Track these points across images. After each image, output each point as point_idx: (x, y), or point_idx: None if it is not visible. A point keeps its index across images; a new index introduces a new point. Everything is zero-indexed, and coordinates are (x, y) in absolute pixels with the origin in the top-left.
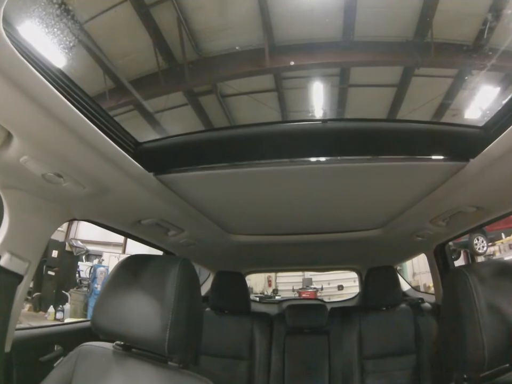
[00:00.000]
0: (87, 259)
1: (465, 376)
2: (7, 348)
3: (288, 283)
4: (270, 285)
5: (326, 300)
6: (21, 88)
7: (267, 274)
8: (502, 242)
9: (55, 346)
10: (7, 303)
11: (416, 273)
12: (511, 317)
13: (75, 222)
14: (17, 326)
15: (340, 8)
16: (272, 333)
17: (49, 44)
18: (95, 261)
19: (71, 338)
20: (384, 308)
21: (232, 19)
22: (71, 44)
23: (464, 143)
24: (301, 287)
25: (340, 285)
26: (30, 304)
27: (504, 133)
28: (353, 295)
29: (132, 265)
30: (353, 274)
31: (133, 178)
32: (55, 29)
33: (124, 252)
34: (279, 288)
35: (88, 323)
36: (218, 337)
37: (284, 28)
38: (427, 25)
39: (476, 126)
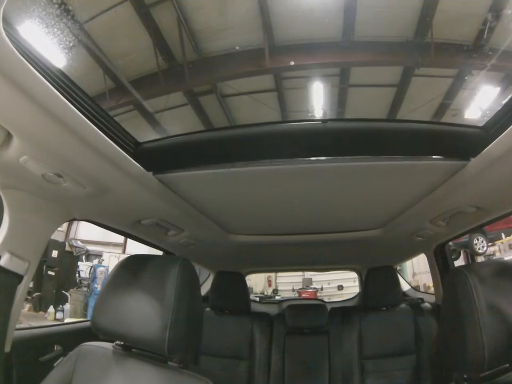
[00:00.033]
0: (87, 259)
1: (465, 376)
2: (7, 348)
3: (288, 283)
4: (270, 285)
5: (326, 299)
6: (21, 88)
7: (267, 274)
8: (502, 242)
9: (55, 346)
10: (7, 303)
11: (416, 273)
12: (511, 317)
13: (75, 222)
14: (17, 326)
15: (340, 8)
16: (272, 333)
17: (49, 44)
18: (95, 261)
19: (71, 338)
20: (384, 308)
21: (232, 19)
22: (71, 44)
23: (464, 143)
24: (301, 287)
25: (340, 285)
26: (30, 304)
27: (504, 133)
28: (353, 295)
29: (132, 265)
30: (353, 274)
31: (133, 178)
32: (55, 29)
33: (123, 252)
34: (279, 288)
35: (88, 323)
36: (218, 337)
37: (284, 28)
38: (427, 25)
39: (476, 126)
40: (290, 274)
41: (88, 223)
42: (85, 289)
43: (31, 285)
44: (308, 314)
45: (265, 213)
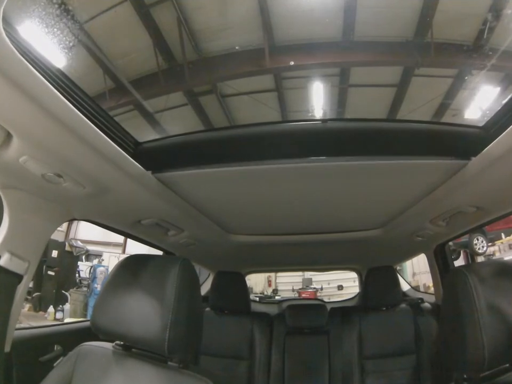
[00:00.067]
0: (87, 259)
1: (465, 376)
2: (7, 348)
3: (288, 283)
4: (270, 285)
5: (325, 299)
6: (21, 88)
7: (267, 274)
8: (502, 242)
9: (55, 346)
10: (7, 303)
11: (416, 273)
12: (511, 317)
13: (75, 222)
14: (17, 326)
15: (340, 8)
16: (272, 333)
17: (49, 44)
18: (95, 261)
19: (70, 338)
20: (384, 308)
21: (232, 19)
22: (71, 44)
23: (464, 143)
24: (300, 287)
25: (340, 285)
26: (30, 304)
27: (504, 132)
28: (353, 295)
29: (132, 265)
30: (353, 274)
31: (133, 178)
32: (55, 29)
33: (123, 251)
34: (279, 288)
35: (88, 323)
36: (218, 337)
37: (284, 28)
38: (427, 25)
39: (476, 126)
40: (290, 274)
41: (88, 223)
42: (85, 289)
43: (31, 285)
44: (308, 314)
45: (265, 213)
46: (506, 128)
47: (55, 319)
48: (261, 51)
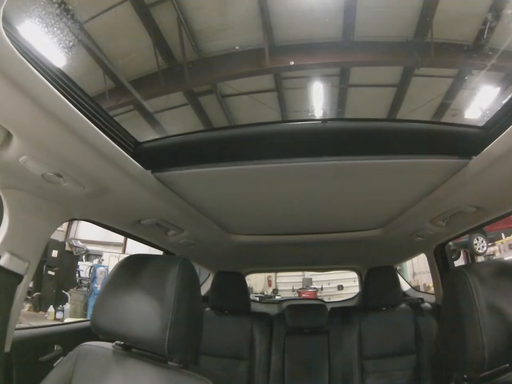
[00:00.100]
0: (87, 259)
1: (465, 376)
2: (7, 348)
3: (288, 283)
4: (270, 285)
5: (326, 299)
6: (21, 88)
7: (267, 274)
8: (502, 242)
9: (55, 346)
10: (7, 303)
11: (416, 273)
12: (511, 317)
13: (75, 222)
14: (17, 325)
15: (340, 8)
16: (272, 333)
17: (49, 44)
18: (95, 261)
19: (70, 338)
20: (384, 308)
21: (232, 19)
22: (71, 44)
23: (464, 143)
24: (301, 287)
25: (340, 285)
26: (30, 304)
27: (504, 132)
28: (353, 295)
29: (132, 265)
30: (353, 274)
31: (133, 178)
32: (55, 29)
33: (123, 251)
34: (279, 288)
35: (88, 323)
36: (218, 337)
37: (284, 28)
38: (427, 25)
39: (476, 126)
40: (290, 274)
41: (88, 223)
42: (85, 289)
43: (31, 284)
44: (308, 314)
45: (265, 213)
46: (506, 128)
47: (55, 319)
48: (261, 51)
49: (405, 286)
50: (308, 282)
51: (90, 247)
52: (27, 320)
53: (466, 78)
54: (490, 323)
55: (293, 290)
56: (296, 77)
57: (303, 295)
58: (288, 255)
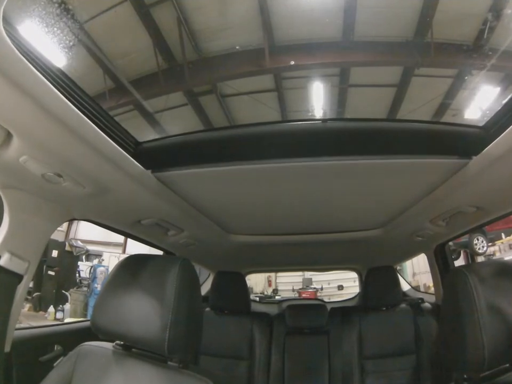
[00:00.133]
0: (87, 259)
1: (465, 376)
2: (7, 348)
3: (288, 283)
4: (270, 285)
5: (326, 299)
6: (21, 87)
7: (267, 274)
8: (502, 242)
9: (55, 346)
10: (7, 303)
11: (416, 273)
12: (511, 316)
13: (75, 222)
14: (17, 325)
15: (340, 8)
16: (272, 333)
17: (49, 43)
18: (95, 261)
19: (71, 338)
20: (384, 308)
21: (232, 19)
22: (71, 44)
23: (464, 143)
24: (301, 287)
25: (340, 285)
26: (30, 304)
27: (504, 132)
28: (353, 295)
29: (132, 265)
30: (353, 274)
31: (133, 178)
32: (55, 28)
33: (124, 251)
34: (279, 288)
35: (88, 323)
36: (218, 337)
37: (284, 28)
38: (427, 25)
39: (476, 126)
40: (290, 274)
41: (88, 223)
42: (85, 289)
43: (31, 284)
44: (308, 314)
45: (265, 213)
46: (506, 128)
47: (55, 319)
48: (261, 51)
49: (405, 286)
50: (307, 282)
51: (90, 247)
52: (27, 320)
53: (466, 78)
54: (490, 323)
55: (293, 290)
56: (296, 77)
57: (303, 295)
58: (288, 255)
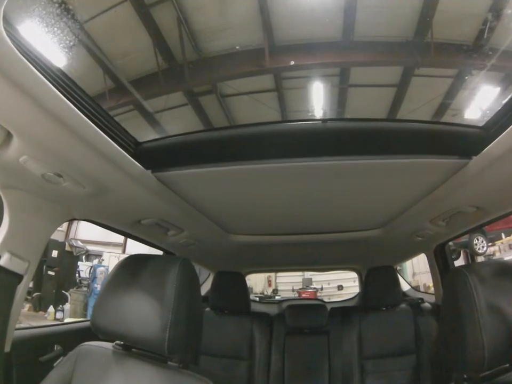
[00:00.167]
0: (87, 259)
1: (465, 376)
2: (7, 348)
3: (288, 283)
4: (270, 285)
5: (326, 300)
6: (21, 88)
7: (267, 274)
8: (502, 242)
9: (55, 346)
10: (7, 303)
11: (416, 273)
12: (511, 317)
13: (75, 222)
14: (17, 325)
15: (340, 8)
16: (272, 333)
17: (50, 44)
18: (95, 261)
19: (70, 338)
20: (384, 308)
21: (232, 19)
22: (71, 44)
23: (464, 142)
24: (300, 287)
25: (340, 285)
26: (30, 304)
27: (504, 132)
28: (353, 295)
29: (132, 265)
30: (353, 274)
31: (133, 178)
32: (55, 28)
33: (123, 251)
34: (279, 288)
35: (88, 323)
36: (218, 337)
37: (284, 28)
38: (427, 25)
39: (476, 126)
40: (290, 274)
41: (88, 223)
42: (85, 289)
43: (31, 284)
44: (308, 314)
45: (265, 213)
46: (506, 128)
47: (55, 319)
48: (261, 51)
49: (405, 286)
50: (307, 283)
51: (90, 247)
52: (27, 320)
53: (466, 78)
54: (490, 323)
55: (293, 290)
56: (296, 77)
57: (303, 295)
58: (288, 255)
